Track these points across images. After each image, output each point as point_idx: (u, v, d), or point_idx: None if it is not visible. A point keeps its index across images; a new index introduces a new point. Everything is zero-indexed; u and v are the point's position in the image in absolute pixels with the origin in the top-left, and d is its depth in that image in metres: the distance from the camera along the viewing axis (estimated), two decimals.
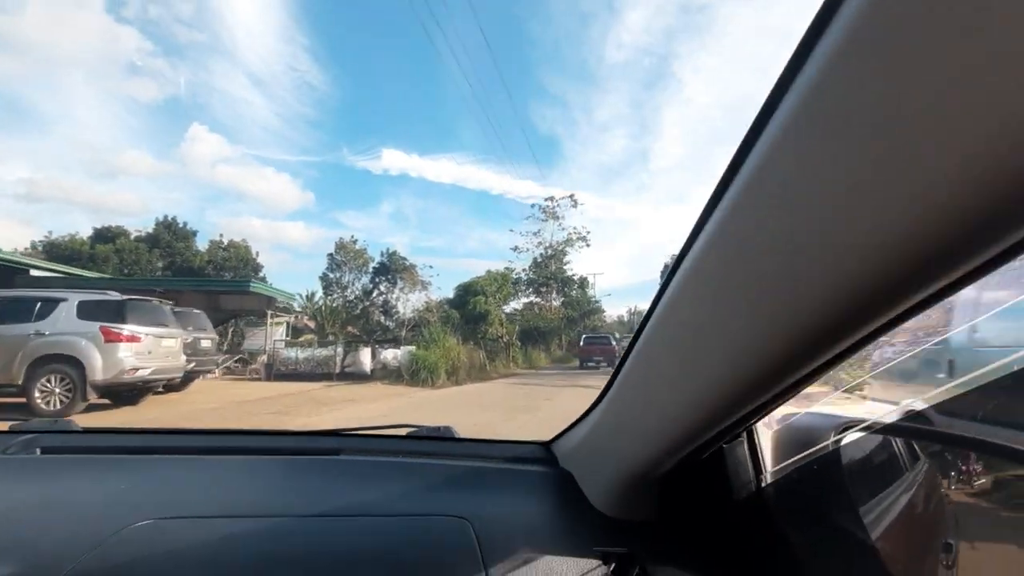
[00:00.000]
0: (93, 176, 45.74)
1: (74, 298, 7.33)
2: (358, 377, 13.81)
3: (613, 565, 0.67)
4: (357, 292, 23.83)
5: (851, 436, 0.67)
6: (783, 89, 0.30)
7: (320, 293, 23.70)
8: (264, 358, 14.80)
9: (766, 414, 0.54)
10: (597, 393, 0.79)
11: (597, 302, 31.64)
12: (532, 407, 8.02)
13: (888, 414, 0.68)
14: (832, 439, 0.67)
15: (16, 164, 42.96)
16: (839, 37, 0.26)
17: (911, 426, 0.66)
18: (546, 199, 29.20)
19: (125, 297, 7.68)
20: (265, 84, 49.66)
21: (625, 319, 41.28)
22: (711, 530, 0.71)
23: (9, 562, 0.64)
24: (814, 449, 0.67)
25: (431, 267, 27.07)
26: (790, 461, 0.68)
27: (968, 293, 0.34)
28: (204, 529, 0.71)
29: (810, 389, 0.46)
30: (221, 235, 30.19)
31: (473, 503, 0.78)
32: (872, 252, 0.28)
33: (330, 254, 24.55)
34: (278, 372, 14.05)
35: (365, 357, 14.65)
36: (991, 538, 0.61)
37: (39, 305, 7.19)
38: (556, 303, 28.96)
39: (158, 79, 43.36)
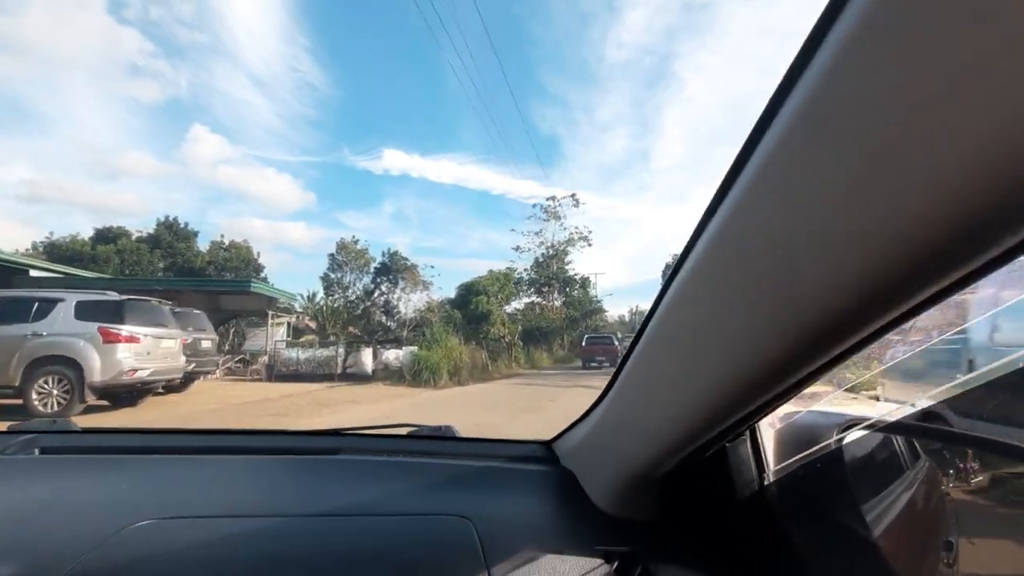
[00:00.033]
0: (94, 177, 45.98)
1: (72, 298, 7.25)
2: (360, 378, 13.76)
3: (616, 564, 0.67)
4: (358, 292, 23.93)
5: (853, 434, 0.67)
6: (791, 84, 0.30)
7: (321, 293, 23.81)
8: (265, 359, 14.78)
9: (768, 413, 0.54)
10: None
11: (599, 302, 31.62)
12: (536, 407, 8.01)
13: (890, 412, 0.68)
14: (834, 438, 0.67)
15: (17, 165, 43.23)
16: (852, 23, 0.26)
17: (913, 424, 0.66)
18: (548, 199, 29.25)
19: (124, 297, 7.63)
20: (266, 85, 49.95)
21: (627, 319, 41.29)
22: (714, 529, 0.70)
23: (9, 562, 0.63)
24: (816, 448, 0.67)
25: (432, 267, 27.18)
26: (792, 460, 0.68)
27: (969, 293, 0.34)
28: (205, 529, 0.71)
29: (812, 388, 0.46)
30: (222, 236, 30.43)
31: (475, 502, 0.78)
32: (875, 251, 0.28)
33: (331, 254, 24.71)
34: (279, 373, 14.01)
35: (367, 358, 14.62)
36: (992, 536, 0.61)
37: (36, 305, 7.09)
38: (558, 303, 28.91)
39: (159, 80, 43.65)
